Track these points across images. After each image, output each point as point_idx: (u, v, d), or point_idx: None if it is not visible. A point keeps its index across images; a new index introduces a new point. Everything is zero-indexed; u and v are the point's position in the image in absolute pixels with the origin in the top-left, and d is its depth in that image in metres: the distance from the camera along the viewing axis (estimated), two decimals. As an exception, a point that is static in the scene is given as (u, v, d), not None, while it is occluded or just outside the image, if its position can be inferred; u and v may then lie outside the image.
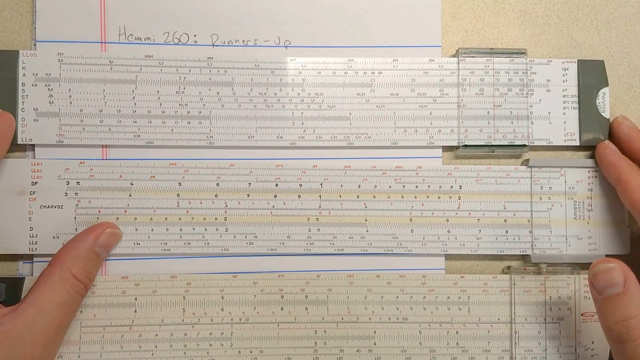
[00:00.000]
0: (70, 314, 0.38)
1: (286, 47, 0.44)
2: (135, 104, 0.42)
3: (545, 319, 0.42)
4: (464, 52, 0.43)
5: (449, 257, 0.44)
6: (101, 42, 0.43)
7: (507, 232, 0.43)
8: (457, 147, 0.43)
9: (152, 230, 0.42)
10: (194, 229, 0.42)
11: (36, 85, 0.41)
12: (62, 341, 0.39)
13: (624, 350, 0.35)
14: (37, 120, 0.41)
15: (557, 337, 0.42)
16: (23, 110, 0.41)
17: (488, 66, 0.43)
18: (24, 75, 0.41)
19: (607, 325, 0.36)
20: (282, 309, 0.42)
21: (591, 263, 0.42)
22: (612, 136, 0.43)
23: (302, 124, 0.43)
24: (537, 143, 0.43)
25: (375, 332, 0.42)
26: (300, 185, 0.43)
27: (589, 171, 0.43)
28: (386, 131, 0.43)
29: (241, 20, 0.43)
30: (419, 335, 0.42)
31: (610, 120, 0.43)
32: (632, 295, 0.35)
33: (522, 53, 0.43)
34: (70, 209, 0.41)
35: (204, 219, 0.42)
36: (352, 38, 0.44)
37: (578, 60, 0.44)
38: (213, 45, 0.43)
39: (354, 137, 0.43)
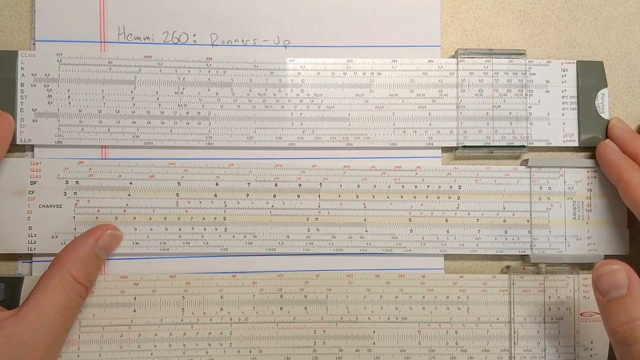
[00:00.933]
0: (72, 316, 0.38)
1: (285, 46, 0.44)
2: (134, 104, 0.42)
3: (544, 318, 0.42)
4: (463, 53, 0.43)
5: (448, 257, 0.44)
6: (100, 42, 0.43)
7: (506, 232, 0.43)
8: (456, 148, 0.43)
9: (151, 229, 0.42)
10: (193, 228, 0.42)
11: (35, 85, 0.41)
12: (64, 343, 0.39)
13: (629, 353, 0.35)
14: (36, 120, 0.41)
15: (556, 337, 0.42)
16: (22, 110, 0.41)
17: (487, 67, 0.43)
18: (22, 75, 0.41)
19: (612, 328, 0.36)
20: (281, 308, 0.42)
21: (590, 263, 0.42)
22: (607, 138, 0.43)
23: (301, 124, 0.43)
24: (536, 144, 0.43)
25: (374, 332, 0.42)
26: (300, 185, 0.43)
27: (588, 171, 0.43)
28: (385, 132, 0.43)
29: (240, 20, 0.43)
30: (418, 335, 0.42)
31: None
32: (636, 297, 0.35)
33: (521, 54, 0.43)
34: (69, 208, 0.41)
35: (203, 218, 0.42)
36: (351, 38, 0.44)
37: (577, 61, 0.44)
38: (212, 45, 0.43)
39: (353, 138, 0.43)
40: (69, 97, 0.42)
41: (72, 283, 0.38)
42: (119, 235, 0.41)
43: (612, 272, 0.36)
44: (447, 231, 0.43)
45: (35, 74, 0.41)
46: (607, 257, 0.43)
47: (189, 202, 0.42)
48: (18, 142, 0.41)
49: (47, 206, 0.41)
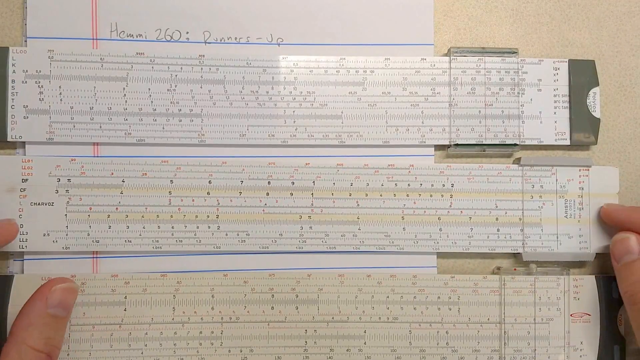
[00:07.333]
0: None
1: (279, 44, 0.44)
2: (126, 101, 0.42)
3: (534, 319, 0.42)
4: (456, 51, 0.43)
5: (440, 255, 0.43)
6: (92, 39, 0.42)
7: (498, 230, 0.43)
8: (448, 146, 0.43)
9: (144, 227, 0.41)
10: (185, 226, 0.42)
11: (26, 82, 0.41)
12: None
13: (636, 312, 0.38)
14: (27, 117, 0.41)
15: (546, 338, 0.42)
16: (13, 107, 0.41)
17: (480, 65, 0.43)
18: (13, 72, 0.41)
19: (623, 289, 0.39)
20: (272, 308, 0.42)
21: (581, 262, 0.42)
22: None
23: (294, 122, 0.42)
24: (528, 142, 0.43)
25: (365, 332, 0.42)
26: (293, 183, 0.42)
27: (580, 170, 0.43)
28: (378, 130, 0.43)
29: (233, 18, 0.43)
30: (409, 335, 0.42)
31: (601, 122, 0.43)
32: None
33: (514, 52, 0.43)
34: (61, 206, 0.41)
35: (196, 216, 0.42)
36: (344, 36, 0.44)
37: (569, 60, 0.44)
38: (205, 42, 0.43)
39: (346, 136, 0.43)
40: (60, 93, 0.41)
41: (32, 354, 0.34)
42: (72, 288, 0.37)
43: (625, 240, 0.39)
44: (440, 229, 0.43)
45: (27, 71, 0.41)
46: (598, 255, 0.43)
47: (182, 200, 0.42)
48: (9, 139, 0.41)
49: (39, 204, 0.41)
